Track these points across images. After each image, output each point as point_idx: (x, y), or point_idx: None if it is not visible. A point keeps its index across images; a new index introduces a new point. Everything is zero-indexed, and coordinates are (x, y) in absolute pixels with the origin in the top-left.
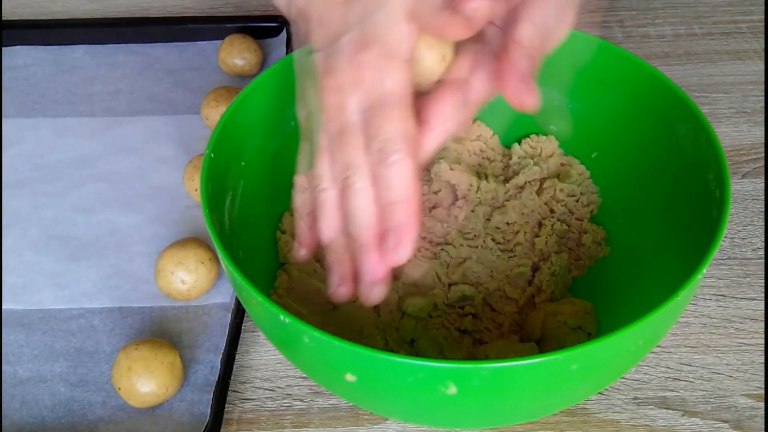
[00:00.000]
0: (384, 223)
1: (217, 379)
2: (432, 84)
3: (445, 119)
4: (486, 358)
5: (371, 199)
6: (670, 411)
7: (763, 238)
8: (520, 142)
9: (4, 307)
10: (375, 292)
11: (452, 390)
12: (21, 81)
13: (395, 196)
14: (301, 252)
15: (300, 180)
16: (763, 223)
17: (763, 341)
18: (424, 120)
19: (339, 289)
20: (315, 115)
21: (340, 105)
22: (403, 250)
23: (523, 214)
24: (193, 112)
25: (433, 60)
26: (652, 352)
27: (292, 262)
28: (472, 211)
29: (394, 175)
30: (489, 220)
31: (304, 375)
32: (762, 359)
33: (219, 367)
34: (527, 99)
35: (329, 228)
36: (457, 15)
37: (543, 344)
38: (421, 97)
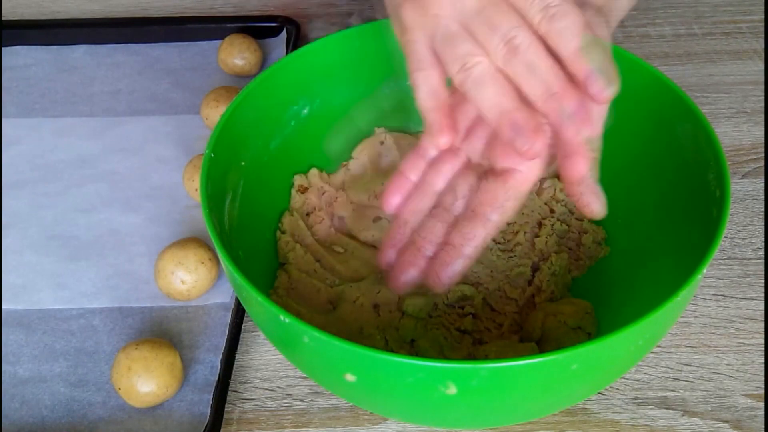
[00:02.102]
0: (575, 71)
1: (217, 379)
2: None
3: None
4: (486, 358)
5: (546, 53)
6: (670, 411)
7: (763, 238)
8: None
9: (4, 307)
10: (585, 131)
11: (452, 390)
12: (21, 81)
13: (579, 43)
14: (445, 139)
15: (418, 75)
16: (763, 223)
17: (763, 341)
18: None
19: (535, 145)
20: (436, 3)
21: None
22: (610, 89)
23: (523, 214)
24: (193, 112)
25: None
26: (652, 352)
27: (434, 144)
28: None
29: (572, 26)
30: None
31: (304, 375)
32: (762, 359)
33: (219, 367)
34: (599, 208)
35: (497, 95)
36: None
37: (543, 344)
38: None
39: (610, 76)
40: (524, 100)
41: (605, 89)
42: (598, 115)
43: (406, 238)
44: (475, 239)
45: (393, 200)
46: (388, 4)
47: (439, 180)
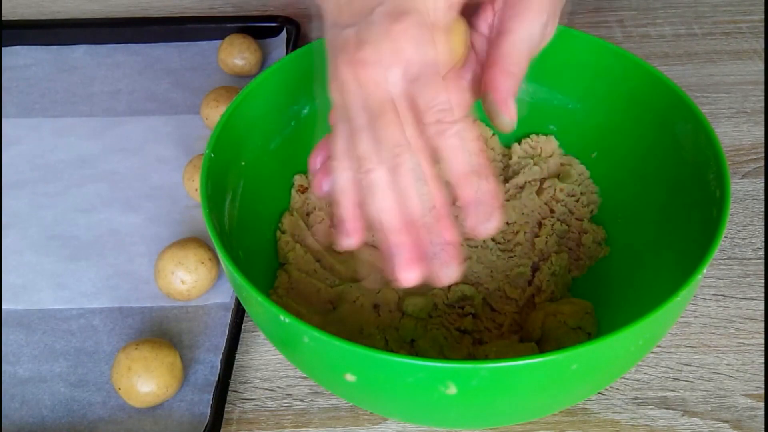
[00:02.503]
0: (461, 195)
1: (217, 379)
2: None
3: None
4: (486, 358)
5: (428, 177)
6: (670, 411)
7: (763, 238)
8: (520, 142)
9: (4, 307)
10: (449, 271)
11: (452, 390)
12: (21, 81)
13: (466, 168)
14: (349, 241)
15: (336, 164)
16: (763, 223)
17: (763, 341)
18: None
19: (408, 273)
20: (349, 91)
21: (378, 80)
22: (493, 221)
23: (523, 214)
24: (193, 112)
25: (458, 43)
26: (652, 352)
27: (338, 249)
28: None
29: (461, 145)
30: None
31: (304, 375)
32: (762, 359)
33: (219, 367)
34: (506, 120)
35: (383, 210)
36: None
37: (543, 344)
38: None
39: (491, 209)
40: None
41: (481, 225)
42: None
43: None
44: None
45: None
46: (327, 55)
47: None
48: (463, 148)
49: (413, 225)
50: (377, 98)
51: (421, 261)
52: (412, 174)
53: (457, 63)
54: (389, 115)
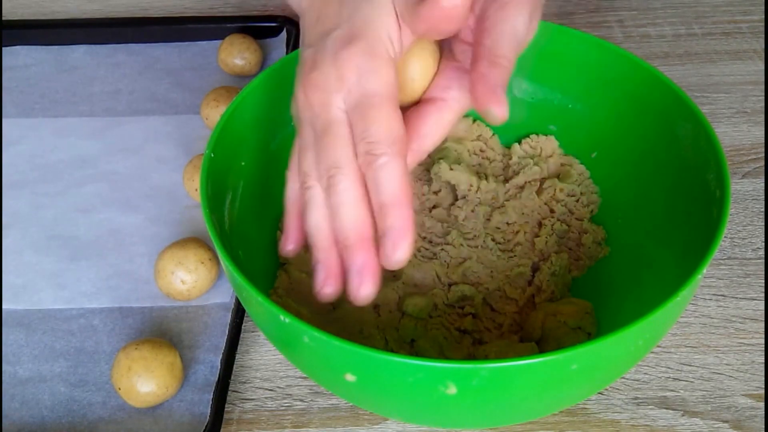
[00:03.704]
0: (378, 225)
1: (217, 379)
2: (413, 101)
3: (429, 132)
4: (486, 358)
5: (356, 200)
6: (670, 411)
7: (763, 238)
8: (520, 142)
9: (4, 307)
10: (363, 291)
11: (452, 390)
12: (21, 81)
13: (386, 199)
14: (289, 247)
15: (290, 174)
16: (763, 223)
17: (763, 341)
18: (411, 130)
19: (324, 289)
20: (301, 109)
21: (324, 102)
22: (400, 253)
23: (523, 214)
24: (193, 112)
25: (422, 68)
26: (652, 352)
27: (280, 255)
28: (472, 211)
29: (384, 177)
30: (489, 220)
31: (304, 375)
32: (762, 359)
33: (219, 367)
34: (497, 110)
35: (315, 226)
36: (436, 6)
37: (543, 344)
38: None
39: (405, 239)
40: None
41: (393, 256)
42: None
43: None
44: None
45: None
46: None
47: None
48: (386, 180)
49: (338, 243)
50: (322, 119)
51: (337, 279)
52: (347, 194)
53: (417, 90)
54: (330, 137)
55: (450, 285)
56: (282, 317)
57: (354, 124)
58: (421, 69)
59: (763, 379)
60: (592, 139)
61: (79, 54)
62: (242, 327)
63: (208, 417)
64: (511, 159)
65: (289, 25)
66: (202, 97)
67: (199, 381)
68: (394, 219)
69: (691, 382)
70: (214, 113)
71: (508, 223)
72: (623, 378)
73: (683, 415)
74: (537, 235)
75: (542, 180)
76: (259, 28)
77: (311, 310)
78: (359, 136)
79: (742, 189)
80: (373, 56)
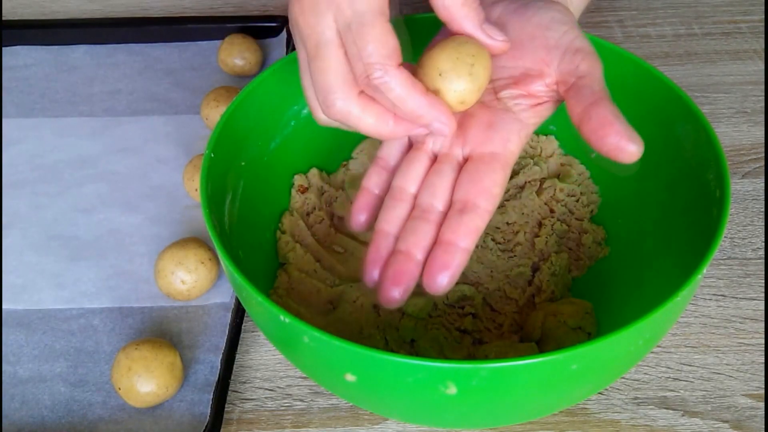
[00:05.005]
0: (411, 132)
1: (217, 379)
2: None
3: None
4: (486, 358)
5: (356, 118)
6: (670, 411)
7: (763, 238)
8: None
9: (4, 307)
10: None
11: (452, 390)
12: (21, 81)
13: (402, 103)
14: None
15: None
16: (763, 223)
17: (763, 341)
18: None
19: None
20: (294, 30)
21: (314, 24)
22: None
23: (523, 214)
24: (193, 112)
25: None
26: (652, 352)
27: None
28: None
29: (390, 88)
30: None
31: (304, 375)
32: (762, 359)
33: (219, 367)
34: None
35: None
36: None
37: (543, 344)
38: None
39: (448, 124)
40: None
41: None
42: None
43: (389, 251)
44: (471, 232)
45: (359, 218)
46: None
47: (411, 182)
48: (394, 89)
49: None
50: (313, 41)
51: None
52: (341, 116)
53: (477, 94)
54: (321, 60)
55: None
56: (282, 317)
57: (347, 45)
58: (483, 68)
59: (763, 379)
60: None
61: (79, 54)
62: (242, 327)
63: (208, 417)
64: None
65: (289, 25)
66: (202, 97)
67: (199, 381)
68: (426, 113)
69: (691, 382)
70: (214, 113)
71: (508, 223)
72: (623, 378)
73: (683, 415)
74: (537, 235)
75: (542, 180)
76: (259, 28)
77: (311, 310)
78: (355, 57)
79: (742, 189)
80: None
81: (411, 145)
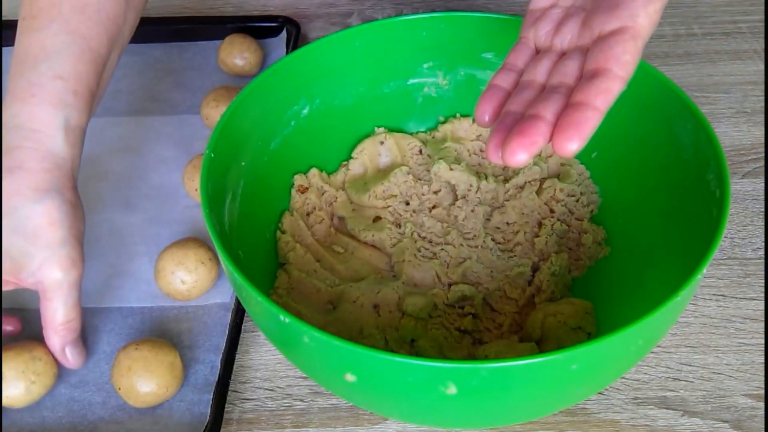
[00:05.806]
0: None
1: (217, 379)
2: None
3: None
4: (486, 358)
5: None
6: (670, 411)
7: (763, 238)
8: None
9: (4, 307)
10: None
11: (452, 390)
12: None
13: None
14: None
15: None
16: (763, 223)
17: (763, 341)
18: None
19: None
20: None
21: None
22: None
23: (523, 214)
24: (193, 112)
25: None
26: (652, 352)
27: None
28: (472, 211)
29: None
30: (489, 220)
31: (304, 375)
32: (762, 359)
33: (219, 367)
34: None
35: None
36: None
37: (543, 344)
38: None
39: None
40: None
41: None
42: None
43: (503, 101)
44: (603, 92)
45: (484, 112)
46: None
47: (540, 75)
48: None
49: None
50: None
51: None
52: None
53: None
54: None
55: (450, 285)
56: (282, 317)
57: None
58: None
59: (763, 379)
60: (592, 139)
61: None
62: (242, 327)
63: (208, 417)
64: None
65: (289, 25)
66: (202, 97)
67: (199, 381)
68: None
69: (691, 382)
70: (214, 113)
71: (508, 223)
72: (623, 378)
73: (683, 415)
74: (537, 235)
75: (542, 180)
76: (259, 28)
77: (311, 310)
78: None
79: (742, 189)
80: None
81: (539, 51)
